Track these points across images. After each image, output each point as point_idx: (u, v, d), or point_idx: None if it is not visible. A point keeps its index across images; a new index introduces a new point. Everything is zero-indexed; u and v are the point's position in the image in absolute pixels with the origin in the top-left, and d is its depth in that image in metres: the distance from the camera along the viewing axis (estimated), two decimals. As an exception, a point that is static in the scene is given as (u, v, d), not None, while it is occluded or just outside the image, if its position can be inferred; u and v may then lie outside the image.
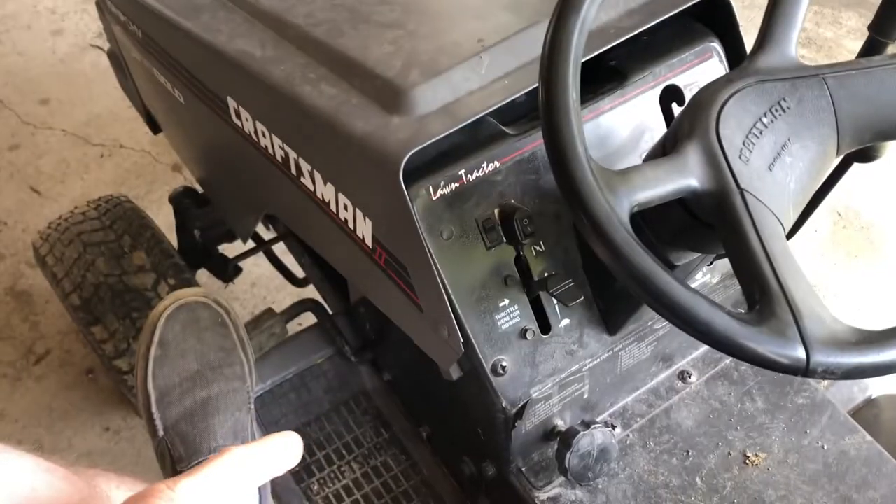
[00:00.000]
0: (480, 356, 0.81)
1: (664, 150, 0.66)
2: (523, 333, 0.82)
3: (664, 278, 0.53)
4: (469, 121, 0.77)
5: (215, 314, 0.94)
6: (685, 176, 0.60)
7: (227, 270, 1.50)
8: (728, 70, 0.91)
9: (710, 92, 0.65)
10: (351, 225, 0.86)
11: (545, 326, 0.84)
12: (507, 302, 0.82)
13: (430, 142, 0.75)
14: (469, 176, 0.79)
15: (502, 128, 0.82)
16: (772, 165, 0.62)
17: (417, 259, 0.79)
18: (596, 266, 0.81)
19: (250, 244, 1.46)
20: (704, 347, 1.00)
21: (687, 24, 0.90)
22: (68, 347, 1.67)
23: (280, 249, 1.49)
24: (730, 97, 0.63)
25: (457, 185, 0.79)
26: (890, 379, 0.64)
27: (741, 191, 0.59)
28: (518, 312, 0.82)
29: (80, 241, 1.37)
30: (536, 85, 0.80)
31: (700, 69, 0.89)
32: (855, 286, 1.80)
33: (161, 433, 0.87)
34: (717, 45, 0.90)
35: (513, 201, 0.81)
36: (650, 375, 0.97)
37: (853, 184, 1.92)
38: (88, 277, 1.34)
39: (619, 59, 0.87)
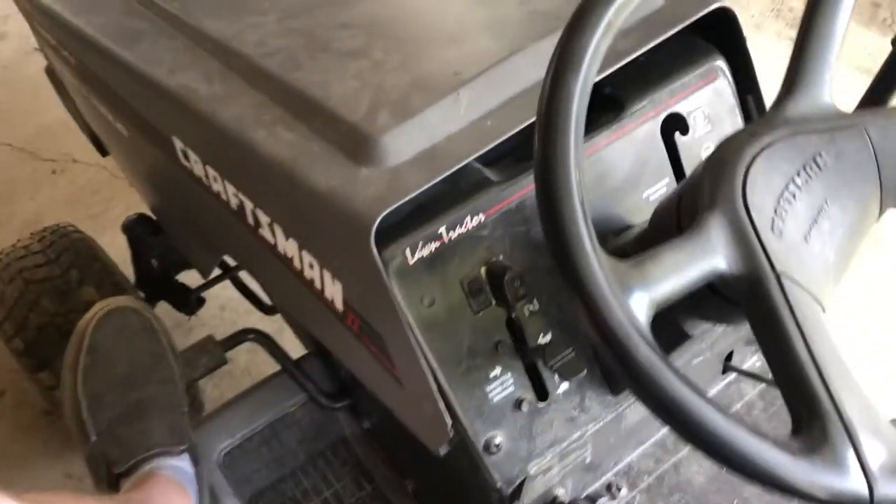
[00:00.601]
0: (471, 434, 0.71)
1: (679, 221, 0.57)
2: (518, 404, 0.73)
3: (698, 407, 0.44)
4: (449, 171, 0.67)
5: (144, 320, 0.96)
6: (709, 257, 0.50)
7: (189, 302, 1.39)
8: (736, 92, 0.81)
9: (732, 149, 0.55)
10: (318, 285, 0.76)
11: (542, 392, 0.75)
12: (498, 370, 0.72)
13: (404, 200, 0.65)
14: (451, 233, 0.69)
15: (486, 174, 0.72)
16: (808, 235, 0.53)
17: (395, 330, 0.69)
18: None
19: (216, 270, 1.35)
20: (715, 387, 0.92)
21: (688, 42, 0.80)
22: (24, 386, 1.56)
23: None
24: (756, 155, 0.54)
25: (437, 244, 0.69)
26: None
27: (777, 275, 0.49)
28: (512, 381, 0.73)
29: (22, 279, 1.25)
30: (523, 125, 0.70)
31: (705, 93, 0.79)
32: (862, 288, 1.72)
33: (94, 437, 0.89)
34: (722, 65, 0.80)
35: (501, 258, 0.71)
36: (656, 427, 0.89)
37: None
38: (32, 318, 1.23)
39: (615, 85, 0.77)
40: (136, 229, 1.35)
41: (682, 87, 0.78)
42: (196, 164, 0.85)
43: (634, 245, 0.67)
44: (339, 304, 0.74)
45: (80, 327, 0.97)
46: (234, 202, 0.82)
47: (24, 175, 1.90)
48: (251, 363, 1.52)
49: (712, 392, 0.93)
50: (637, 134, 0.77)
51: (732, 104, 0.82)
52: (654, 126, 0.77)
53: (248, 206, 0.80)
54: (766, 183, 0.53)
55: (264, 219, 0.78)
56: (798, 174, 0.53)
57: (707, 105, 0.80)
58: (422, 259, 0.68)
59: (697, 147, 0.80)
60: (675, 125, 0.78)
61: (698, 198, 0.54)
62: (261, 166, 0.73)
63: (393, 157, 0.69)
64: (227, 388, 1.48)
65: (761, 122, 0.56)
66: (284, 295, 0.88)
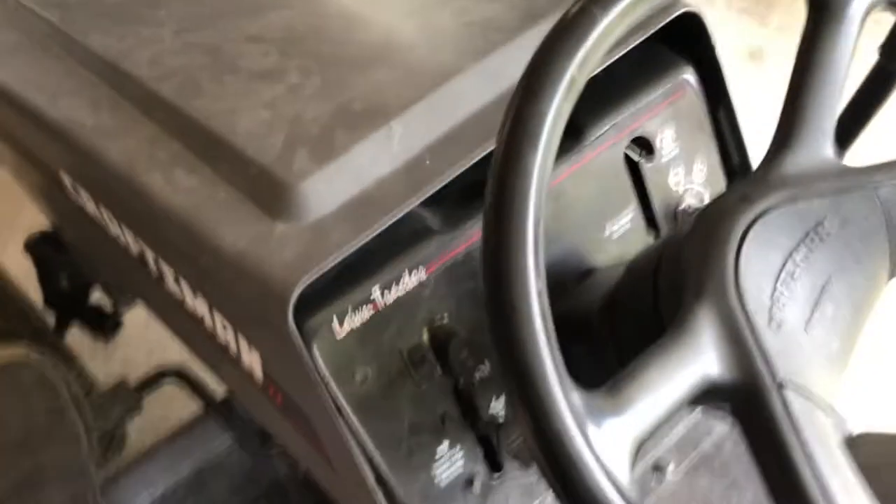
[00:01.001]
0: (416, 524, 0.62)
1: (656, 297, 0.47)
2: (469, 482, 0.64)
3: None
4: (382, 227, 0.56)
5: (37, 373, 0.88)
6: (698, 362, 0.41)
7: (105, 325, 1.26)
8: (706, 106, 0.72)
9: (721, 219, 0.45)
10: (234, 351, 0.65)
11: (495, 463, 0.65)
12: (445, 446, 0.63)
13: (329, 265, 0.55)
14: (386, 294, 0.59)
15: (427, 221, 0.62)
16: (809, 323, 0.44)
17: (322, 413, 0.58)
18: None
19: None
20: (678, 434, 0.84)
21: (651, 52, 0.70)
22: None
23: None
24: (750, 226, 0.44)
25: (370, 309, 0.58)
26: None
27: (778, 385, 0.40)
28: (461, 455, 0.63)
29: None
30: (469, 163, 0.60)
31: (672, 110, 0.70)
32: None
33: None
34: (690, 77, 0.70)
35: (446, 318, 0.61)
36: None
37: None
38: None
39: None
40: (41, 247, 1.21)
41: (648, 107, 0.68)
42: (89, 202, 0.73)
43: (602, 315, 0.57)
44: (258, 374, 0.64)
45: None
46: (133, 248, 0.70)
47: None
48: (171, 404, 1.38)
49: (679, 428, 0.85)
50: (597, 162, 0.67)
51: (702, 121, 0.72)
52: (616, 152, 0.68)
53: (150, 255, 0.68)
54: (761, 262, 0.44)
55: (168, 270, 0.67)
56: (798, 248, 0.44)
57: (675, 124, 0.70)
58: (353, 330, 0.58)
59: (664, 172, 0.71)
60: (640, 147, 0.69)
61: (682, 280, 0.44)
62: (158, 217, 0.62)
63: (314, 209, 0.58)
64: (148, 433, 1.35)
65: (753, 182, 0.47)
66: (201, 352, 0.77)
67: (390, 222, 0.57)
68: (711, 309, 0.42)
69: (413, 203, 0.58)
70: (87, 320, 1.27)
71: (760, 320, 0.42)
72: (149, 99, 0.66)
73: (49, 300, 1.26)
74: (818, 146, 0.47)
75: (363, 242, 0.56)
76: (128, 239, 0.70)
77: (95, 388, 1.01)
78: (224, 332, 0.65)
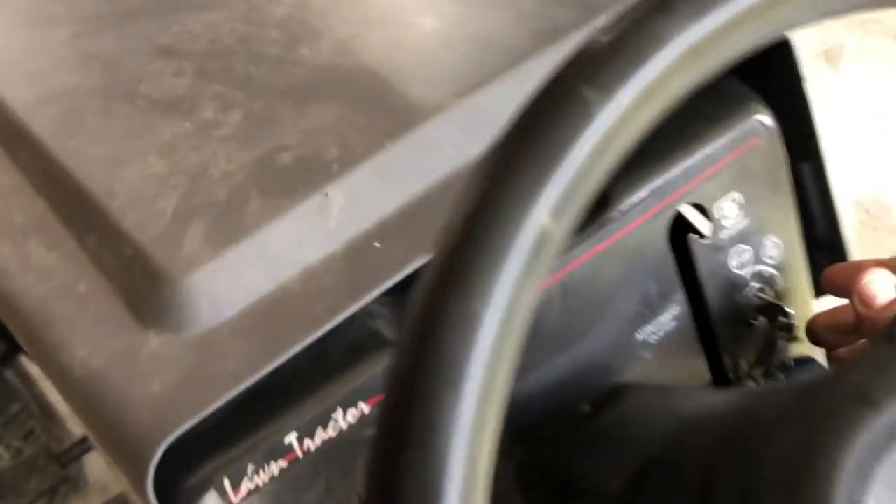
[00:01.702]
0: None
1: None
2: None
3: None
4: (302, 346, 0.38)
5: None
6: None
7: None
8: (787, 160, 0.52)
9: (826, 440, 0.25)
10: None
11: None
12: None
13: (215, 406, 0.37)
14: (307, 441, 0.40)
15: (373, 326, 0.43)
16: None
17: None
18: None
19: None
20: None
21: (713, 86, 0.50)
22: None
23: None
24: (879, 456, 0.25)
25: (283, 464, 0.40)
26: None
27: None
28: None
29: None
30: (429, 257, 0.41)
31: (739, 166, 0.50)
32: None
33: None
34: (767, 120, 0.50)
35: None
36: None
37: (884, 177, 1.54)
38: None
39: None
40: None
41: (705, 162, 0.48)
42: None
43: (628, 485, 0.38)
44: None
45: None
46: None
47: None
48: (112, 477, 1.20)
49: None
50: (631, 240, 0.47)
51: (781, 179, 0.52)
52: (657, 225, 0.48)
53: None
54: None
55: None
56: None
57: (742, 185, 0.50)
58: (257, 490, 0.40)
59: (724, 251, 0.51)
60: (687, 227, 0.49)
61: None
62: (2, 304, 0.44)
63: (204, 316, 0.39)
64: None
65: (874, 368, 0.27)
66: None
67: (313, 339, 0.38)
68: None
69: (353, 307, 0.39)
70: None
71: None
72: (15, 132, 0.48)
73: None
74: None
75: (270, 369, 0.38)
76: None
77: (23, 454, 0.85)
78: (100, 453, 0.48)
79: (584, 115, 0.21)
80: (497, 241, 0.21)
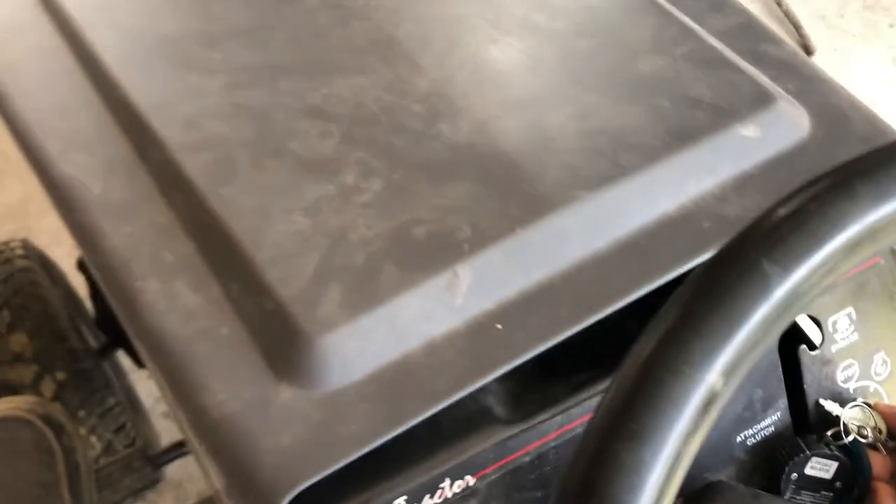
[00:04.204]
0: None
1: None
2: None
3: None
4: (423, 416, 0.40)
5: (40, 436, 0.77)
6: None
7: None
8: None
9: None
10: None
11: None
12: None
13: (338, 465, 0.39)
14: (414, 506, 0.43)
15: (486, 401, 0.45)
16: None
17: None
18: None
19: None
20: None
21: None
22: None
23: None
24: None
25: (390, 524, 0.42)
26: None
27: None
28: None
29: (-51, 310, 1.03)
30: (556, 340, 0.43)
31: (856, 283, 0.50)
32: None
33: None
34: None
35: (494, 542, 0.45)
36: None
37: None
38: (-53, 364, 1.01)
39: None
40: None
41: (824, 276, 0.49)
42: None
43: None
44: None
45: None
46: (134, 341, 0.57)
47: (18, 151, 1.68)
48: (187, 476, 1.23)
49: None
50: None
51: None
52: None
53: (147, 361, 0.54)
54: None
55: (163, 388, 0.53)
56: None
57: (857, 301, 0.51)
58: (361, 548, 0.42)
59: (833, 364, 0.51)
60: (799, 337, 0.50)
61: None
62: (144, 335, 0.47)
63: (334, 377, 0.42)
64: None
65: None
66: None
67: (434, 411, 0.41)
68: None
69: (472, 386, 0.42)
70: (130, 348, 1.17)
71: None
72: (171, 173, 0.52)
73: (99, 322, 1.17)
74: None
75: (393, 435, 0.40)
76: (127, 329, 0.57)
77: (114, 448, 0.89)
78: (215, 483, 0.51)
79: (763, 288, 0.23)
80: (673, 396, 0.23)
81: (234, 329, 0.45)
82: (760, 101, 0.52)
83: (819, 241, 0.24)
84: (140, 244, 0.50)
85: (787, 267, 0.23)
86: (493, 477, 0.44)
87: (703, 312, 0.24)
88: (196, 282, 0.47)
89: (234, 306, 0.46)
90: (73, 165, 0.55)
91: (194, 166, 0.52)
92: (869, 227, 0.24)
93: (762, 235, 0.24)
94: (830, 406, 0.51)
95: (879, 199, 0.24)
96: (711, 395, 0.23)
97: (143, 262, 0.49)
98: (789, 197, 0.25)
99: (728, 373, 0.23)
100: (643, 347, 0.24)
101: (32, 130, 0.58)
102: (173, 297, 0.47)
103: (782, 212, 0.25)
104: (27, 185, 1.60)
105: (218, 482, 0.46)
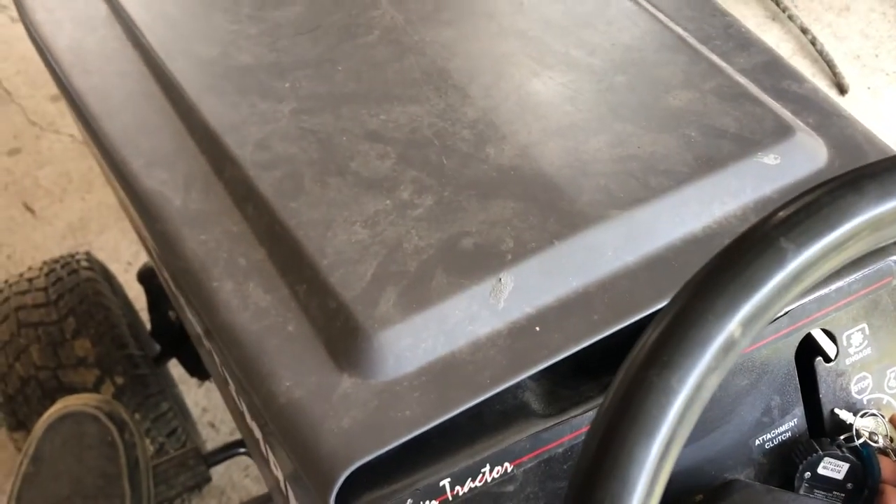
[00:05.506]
0: None
1: None
2: None
3: None
4: (466, 406, 0.45)
5: (104, 431, 0.83)
6: None
7: (202, 365, 1.21)
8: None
9: None
10: (283, 492, 0.56)
11: None
12: None
13: (391, 445, 0.44)
14: (458, 488, 0.47)
15: (524, 397, 0.50)
16: None
17: None
18: None
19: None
20: None
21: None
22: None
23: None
24: None
25: (434, 503, 0.47)
26: None
27: None
28: None
29: (16, 319, 1.10)
30: (588, 341, 0.48)
31: (869, 301, 0.55)
32: None
33: None
34: (899, 261, 0.55)
35: (530, 525, 0.49)
36: None
37: None
38: (17, 368, 1.07)
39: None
40: (152, 280, 1.18)
41: (838, 295, 0.54)
42: (168, 279, 0.66)
43: None
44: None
45: (36, 427, 0.82)
46: (206, 343, 0.63)
47: (80, 172, 1.77)
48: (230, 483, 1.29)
49: None
50: (761, 355, 0.53)
51: (906, 315, 0.57)
52: (787, 344, 0.53)
53: (217, 357, 0.60)
54: None
55: (231, 380, 0.59)
56: None
57: (870, 318, 0.55)
58: (410, 523, 0.47)
59: (847, 376, 0.55)
60: (815, 349, 0.54)
61: None
62: (219, 329, 0.53)
63: (390, 368, 0.47)
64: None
65: None
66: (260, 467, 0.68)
67: (475, 401, 0.46)
68: None
69: (512, 380, 0.46)
70: (186, 358, 1.23)
71: None
72: (245, 188, 0.58)
73: (155, 332, 1.24)
74: None
75: (440, 421, 0.45)
76: (199, 330, 0.63)
77: (166, 451, 0.95)
78: (275, 470, 0.56)
79: (779, 260, 0.28)
80: (700, 338, 0.28)
81: (301, 325, 0.51)
82: (781, 132, 0.57)
83: (830, 226, 0.29)
84: (217, 250, 0.56)
85: (801, 244, 0.29)
86: (529, 465, 0.48)
87: (728, 275, 0.29)
88: (266, 283, 0.53)
89: (301, 305, 0.51)
90: (156, 180, 0.61)
91: (265, 182, 0.58)
92: (873, 218, 0.29)
93: (782, 219, 0.30)
94: (844, 415, 0.55)
95: (883, 195, 0.29)
96: (731, 341, 0.28)
97: (219, 266, 0.55)
98: (808, 191, 0.30)
99: (745, 324, 0.28)
100: (677, 299, 0.29)
101: (118, 148, 0.65)
102: (246, 296, 0.53)
103: (800, 202, 0.30)
104: (88, 203, 1.69)
105: (282, 463, 0.51)
